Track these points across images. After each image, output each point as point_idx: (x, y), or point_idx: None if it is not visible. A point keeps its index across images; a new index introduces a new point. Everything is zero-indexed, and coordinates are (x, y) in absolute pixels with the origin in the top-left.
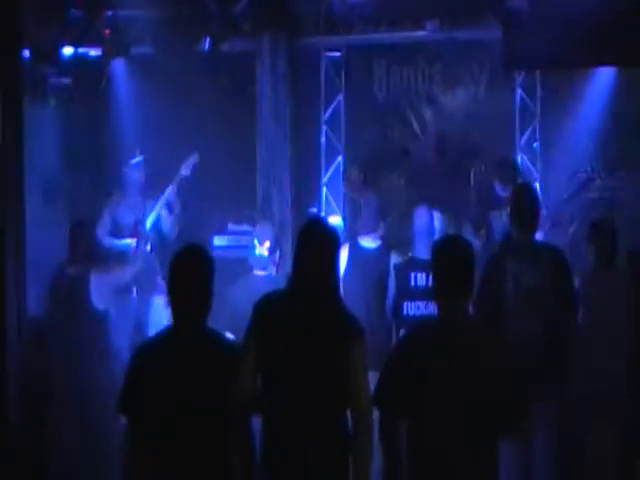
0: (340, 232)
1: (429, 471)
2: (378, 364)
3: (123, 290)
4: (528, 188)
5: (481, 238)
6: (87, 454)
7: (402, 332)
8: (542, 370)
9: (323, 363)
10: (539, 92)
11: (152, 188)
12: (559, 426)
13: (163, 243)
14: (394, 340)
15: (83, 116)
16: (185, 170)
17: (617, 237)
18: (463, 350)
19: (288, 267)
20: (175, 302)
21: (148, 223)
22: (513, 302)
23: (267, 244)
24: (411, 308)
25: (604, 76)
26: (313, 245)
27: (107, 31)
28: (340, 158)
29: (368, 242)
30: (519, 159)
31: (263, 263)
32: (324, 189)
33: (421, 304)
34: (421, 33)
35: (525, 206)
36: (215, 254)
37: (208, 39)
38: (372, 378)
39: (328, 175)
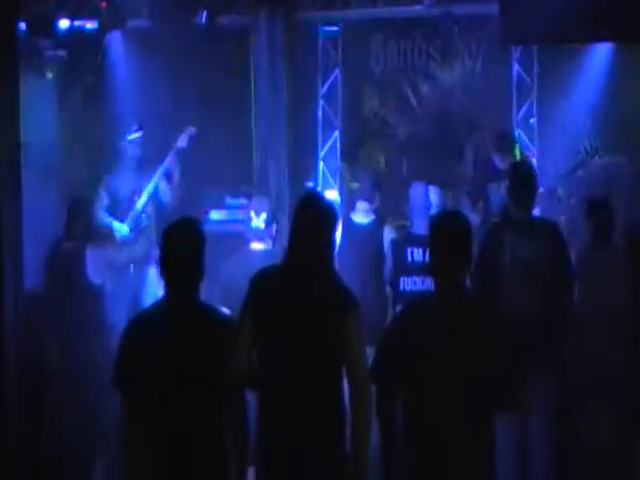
0: (337, 207)
1: (425, 446)
2: (374, 339)
3: (119, 265)
4: (526, 164)
5: (479, 211)
6: (84, 431)
7: (399, 307)
8: (538, 344)
9: (318, 337)
10: (536, 68)
11: (148, 161)
12: (556, 402)
13: (161, 213)
14: (390, 315)
15: (79, 89)
16: (181, 142)
17: (613, 214)
18: (460, 325)
19: (284, 241)
20: (167, 275)
21: (145, 194)
22: (510, 276)
23: (263, 216)
24: (408, 283)
25: (601, 52)
26: (309, 220)
27: (103, 4)
28: (337, 133)
29: (361, 218)
30: (516, 133)
31: (259, 235)
32: (321, 163)
33: (418, 279)
34: (418, 8)
35: (522, 182)
36: (212, 228)
37: (205, 12)
38: (368, 354)
39: (325, 150)
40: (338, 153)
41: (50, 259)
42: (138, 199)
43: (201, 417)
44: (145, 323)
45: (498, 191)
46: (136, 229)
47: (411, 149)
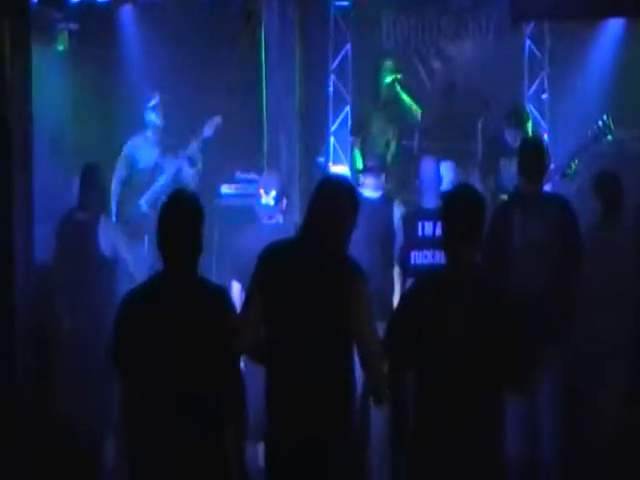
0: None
1: (435, 422)
2: (384, 314)
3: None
4: (536, 140)
5: (489, 186)
6: (94, 403)
7: (409, 281)
8: (548, 321)
9: (325, 309)
10: (548, 43)
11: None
12: (564, 379)
13: None
14: (399, 289)
15: (90, 62)
16: (208, 131)
17: (621, 190)
18: (470, 300)
19: (295, 215)
20: (163, 249)
21: (167, 175)
22: (520, 252)
23: (273, 193)
24: (418, 257)
25: (614, 27)
26: (332, 207)
27: None
28: (348, 108)
29: (370, 192)
30: (527, 109)
31: (269, 212)
32: (332, 138)
33: (428, 253)
34: None
35: (532, 158)
36: (223, 202)
37: None
38: (378, 329)
39: (336, 125)
40: (349, 128)
41: (62, 229)
42: (159, 176)
43: (199, 390)
44: (141, 298)
45: (509, 167)
46: (154, 207)
47: (422, 124)
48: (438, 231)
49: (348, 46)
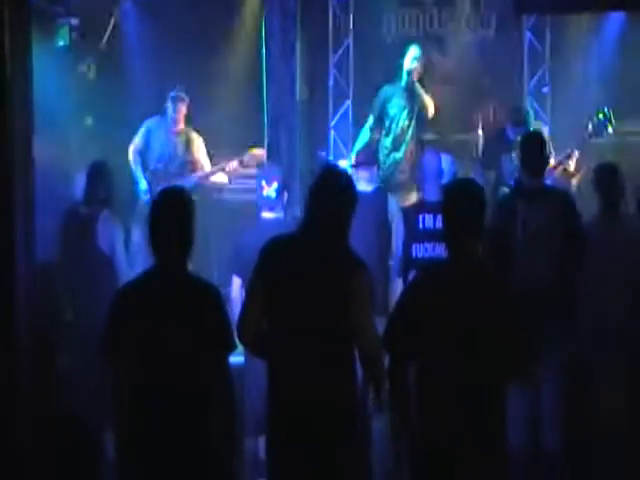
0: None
1: (436, 414)
2: (379, 309)
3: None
4: (537, 134)
5: (490, 180)
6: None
7: (411, 274)
8: (550, 312)
9: (326, 303)
10: (548, 36)
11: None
12: (567, 369)
13: None
14: (400, 282)
15: (92, 57)
16: (230, 167)
17: (621, 182)
18: (473, 292)
19: (296, 210)
20: (154, 245)
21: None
22: (522, 244)
23: (275, 185)
24: (419, 250)
25: (615, 20)
26: (332, 197)
27: None
28: (348, 102)
29: (364, 186)
30: (528, 103)
31: (271, 204)
32: (332, 132)
33: (429, 246)
34: None
35: (533, 152)
36: (223, 196)
37: None
38: (378, 324)
39: (336, 119)
40: (350, 122)
41: (66, 223)
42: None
43: (189, 384)
44: (133, 293)
45: (510, 161)
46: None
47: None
48: (438, 224)
49: (349, 40)
